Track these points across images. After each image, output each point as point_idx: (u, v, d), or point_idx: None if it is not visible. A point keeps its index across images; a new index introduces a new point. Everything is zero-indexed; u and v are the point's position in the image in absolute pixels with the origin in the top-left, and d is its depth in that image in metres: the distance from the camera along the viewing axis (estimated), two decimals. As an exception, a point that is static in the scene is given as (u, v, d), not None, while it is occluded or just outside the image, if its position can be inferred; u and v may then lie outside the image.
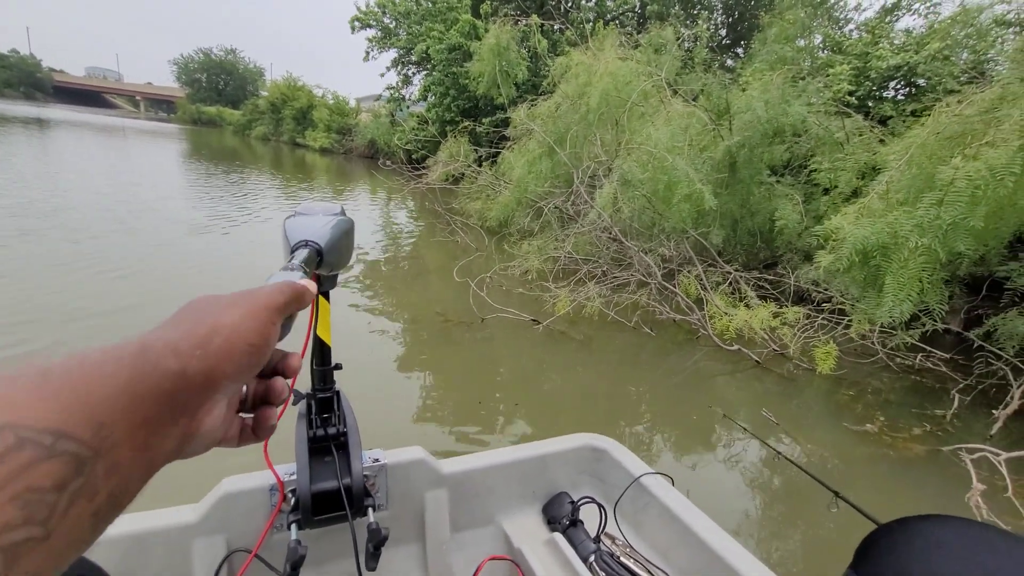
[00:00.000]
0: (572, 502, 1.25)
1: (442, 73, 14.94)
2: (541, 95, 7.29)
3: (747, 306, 4.45)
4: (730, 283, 4.94)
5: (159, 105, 79.53)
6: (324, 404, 0.98)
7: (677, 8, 15.36)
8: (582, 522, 1.21)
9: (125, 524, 0.92)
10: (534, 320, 4.44)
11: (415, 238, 8.43)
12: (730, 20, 15.81)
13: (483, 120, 13.05)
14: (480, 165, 8.87)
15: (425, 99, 16.92)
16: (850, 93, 5.76)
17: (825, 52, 6.92)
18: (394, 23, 20.41)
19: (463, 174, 8.81)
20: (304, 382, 0.93)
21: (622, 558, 1.12)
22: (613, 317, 4.57)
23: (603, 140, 6.02)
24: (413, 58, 19.22)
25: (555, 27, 13.74)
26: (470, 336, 4.22)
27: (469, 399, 3.29)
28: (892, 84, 5.78)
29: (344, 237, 0.76)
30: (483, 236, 7.29)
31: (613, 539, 1.19)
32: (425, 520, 1.16)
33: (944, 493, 2.62)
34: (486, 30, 13.28)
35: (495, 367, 3.90)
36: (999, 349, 3.69)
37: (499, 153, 8.43)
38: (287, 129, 30.48)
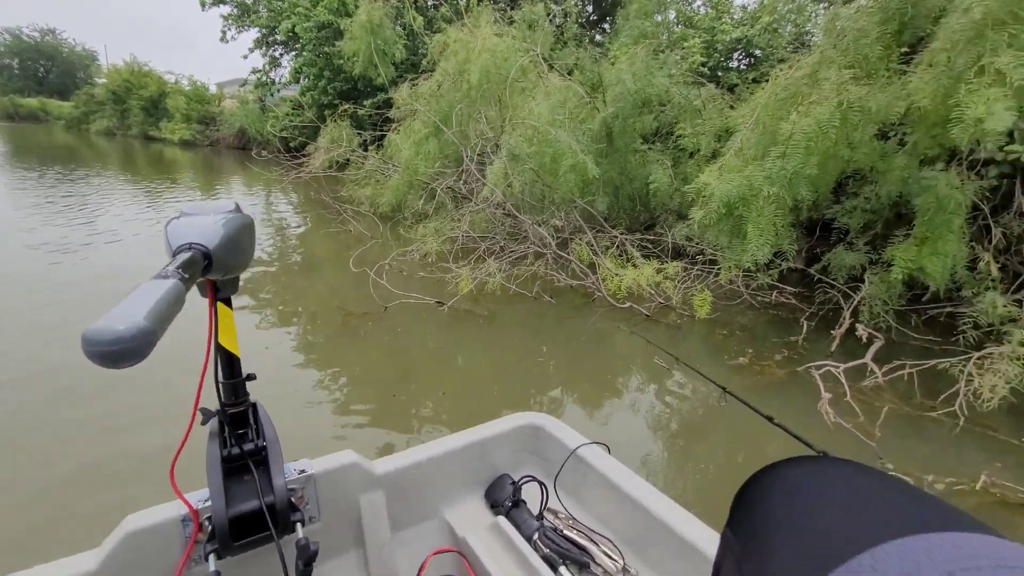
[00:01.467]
0: (513, 483, 1.24)
1: (313, 53, 13.98)
2: (421, 74, 7.14)
3: (634, 266, 4.83)
4: (617, 246, 5.30)
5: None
6: (238, 419, 0.91)
7: (547, -16, 15.65)
8: (524, 501, 1.22)
9: None
10: (438, 302, 4.45)
11: (303, 231, 7.95)
12: (596, -4, 16.44)
13: (364, 102, 12.46)
14: (366, 149, 8.52)
15: (297, 81, 15.74)
16: (703, 64, 6.36)
17: (679, 27, 7.54)
18: (251, -1, 18.57)
19: (348, 160, 8.42)
20: (211, 398, 0.87)
21: (565, 531, 1.15)
22: (515, 290, 4.72)
23: (488, 117, 6.08)
24: (278, 37, 17.67)
25: (429, 3, 13.40)
26: (374, 327, 4.14)
27: (383, 392, 3.24)
28: (736, 55, 6.47)
29: (239, 236, 0.71)
30: (376, 223, 7.08)
31: (556, 513, 1.21)
32: (362, 525, 1.12)
33: (804, 406, 3.08)
34: (356, 6, 12.61)
35: (406, 354, 3.87)
36: (833, 280, 4.37)
37: (384, 136, 8.16)
38: (136, 121, 26.79)
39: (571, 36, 7.05)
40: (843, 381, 3.12)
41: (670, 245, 5.36)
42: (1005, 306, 3.38)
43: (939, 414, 2.90)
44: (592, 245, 5.13)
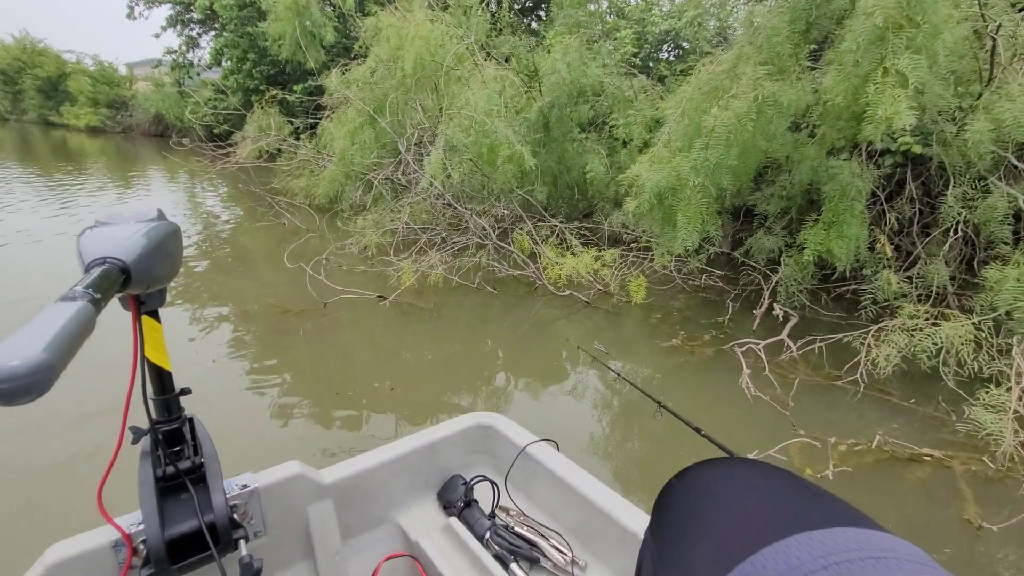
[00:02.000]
0: (465, 483, 1.26)
1: (235, 34, 13.11)
2: (354, 59, 6.90)
3: (573, 254, 4.96)
4: (557, 235, 5.42)
5: None
6: (172, 437, 0.88)
7: (482, -33, 15.43)
8: (476, 501, 1.23)
9: None
10: (380, 296, 4.39)
11: (233, 225, 7.54)
12: (532, -18, 16.39)
13: (294, 87, 11.86)
14: (298, 138, 8.16)
15: (219, 64, 14.73)
16: (634, 55, 6.55)
17: (612, 17, 7.71)
18: (161, -29, 17.08)
19: (280, 149, 8.04)
20: (139, 415, 0.82)
21: (516, 528, 1.17)
22: (458, 281, 4.73)
23: (424, 106, 5.99)
24: (195, 15, 16.43)
25: (359, -16, 12.85)
26: (314, 324, 4.03)
27: (326, 392, 3.19)
28: (665, 47, 6.71)
29: (162, 245, 0.66)
30: (313, 215, 6.84)
31: (507, 511, 1.23)
32: (311, 535, 1.10)
33: (730, 382, 3.31)
34: (280, -16, 11.91)
35: (348, 352, 3.81)
36: (755, 263, 4.69)
37: (317, 124, 7.83)
38: (32, 105, 24.24)
39: (506, 24, 7.02)
40: (763, 357, 3.39)
41: (607, 233, 5.54)
42: (898, 283, 3.78)
43: (844, 382, 3.22)
44: (532, 235, 5.22)
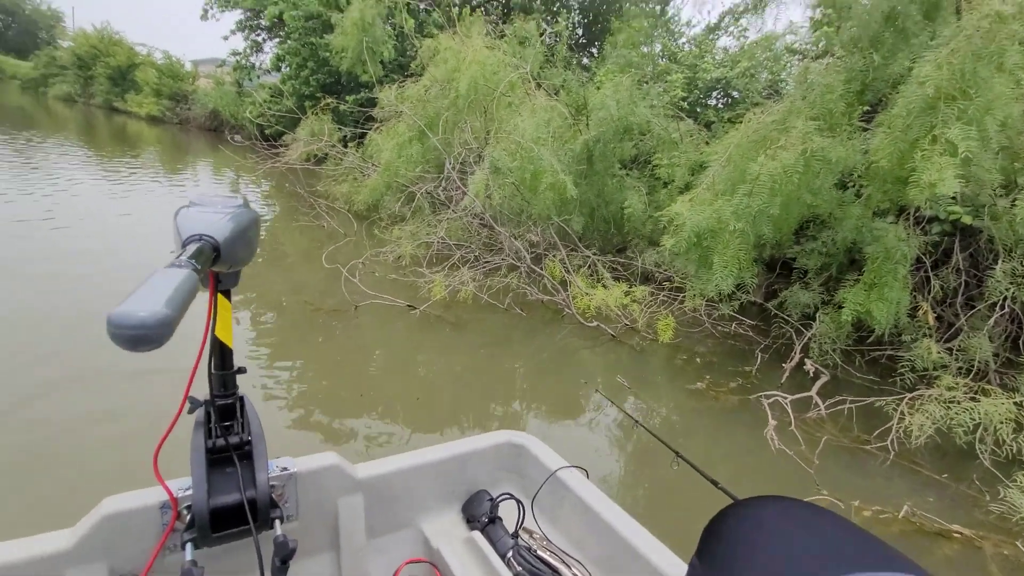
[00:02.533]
0: (491, 499, 1.25)
1: (299, 43, 13.77)
2: (409, 76, 7.16)
3: (604, 286, 4.97)
4: (589, 266, 5.45)
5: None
6: (225, 411, 0.91)
7: (539, 2, 15.98)
8: (501, 519, 1.22)
9: None
10: (410, 306, 4.46)
11: (274, 223, 7.79)
12: (586, 20, 16.90)
13: (347, 97, 12.34)
14: (345, 145, 8.45)
15: (279, 69, 15.43)
16: (683, 99, 6.64)
17: (663, 60, 7.86)
18: (237, -21, 18.13)
19: (327, 154, 8.33)
20: (201, 387, 0.87)
21: (539, 551, 1.15)
22: (487, 300, 4.78)
23: (472, 127, 6.15)
24: (263, 22, 17.32)
25: (421, 6, 13.44)
26: (343, 324, 4.11)
27: (350, 392, 3.23)
28: (715, 94, 6.80)
29: (246, 231, 0.72)
30: (351, 221, 7.02)
31: (531, 533, 1.21)
32: (339, 528, 1.12)
33: (753, 432, 3.25)
34: (348, 1, 12.53)
35: (375, 354, 3.87)
36: (788, 316, 4.62)
37: (365, 134, 8.10)
38: (100, 90, 25.59)
39: (561, 57, 7.22)
40: (789, 411, 3.31)
41: (639, 269, 5.54)
42: (938, 353, 3.67)
43: (873, 447, 3.12)
44: (565, 263, 5.25)
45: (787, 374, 3.95)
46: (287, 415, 2.87)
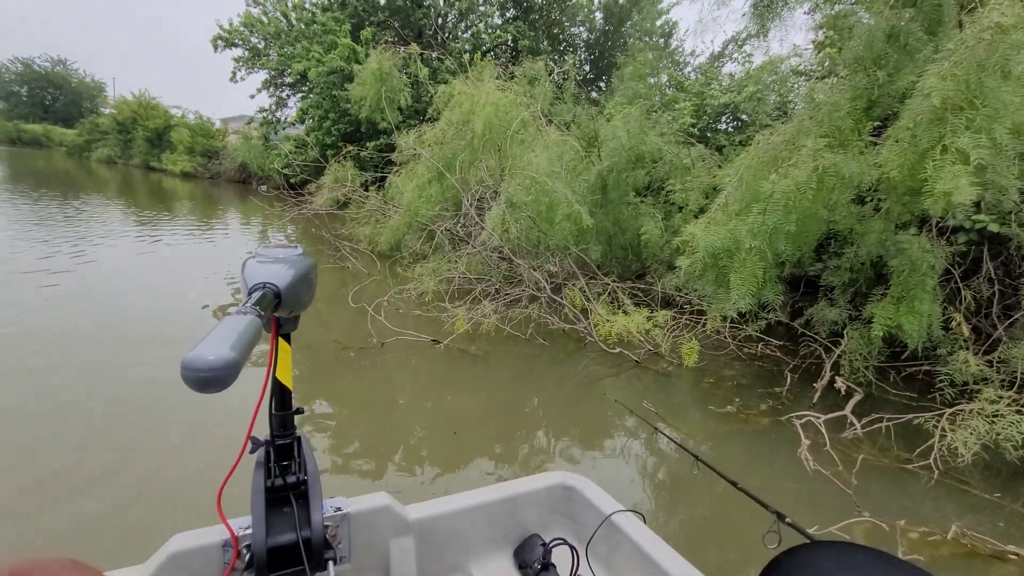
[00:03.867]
0: (544, 544, 1.20)
1: (321, 96, 14.54)
2: (425, 121, 7.49)
3: (625, 313, 4.97)
4: (609, 293, 5.47)
5: (-40, 122, 66.28)
6: (283, 451, 0.93)
7: (546, 44, 16.60)
8: (554, 566, 1.17)
9: None
10: (434, 340, 4.54)
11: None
12: (592, 57, 17.46)
13: (366, 144, 12.91)
14: (367, 189, 8.78)
15: (303, 122, 16.26)
16: (693, 125, 6.76)
17: (671, 90, 8.05)
18: (263, 43, 19.39)
19: (349, 199, 8.66)
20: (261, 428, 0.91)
21: None
22: (509, 332, 4.83)
23: (488, 165, 6.36)
24: (287, 79, 18.39)
25: (434, 55, 14.12)
26: (370, 361, 4.20)
27: (381, 427, 3.28)
28: (723, 118, 6.90)
29: (304, 277, 0.77)
30: (375, 261, 7.22)
31: None
32: (390, 570, 1.10)
33: (786, 454, 3.17)
34: (366, 55, 13.25)
35: (402, 390, 3.92)
36: (815, 334, 4.54)
37: (385, 178, 8.43)
38: (139, 151, 27.26)
39: (570, 94, 7.47)
40: (823, 432, 3.22)
41: (660, 294, 5.54)
42: (978, 365, 3.55)
43: (915, 467, 2.99)
44: (585, 291, 5.29)
45: (819, 394, 3.85)
46: (322, 453, 2.93)
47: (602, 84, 16.61)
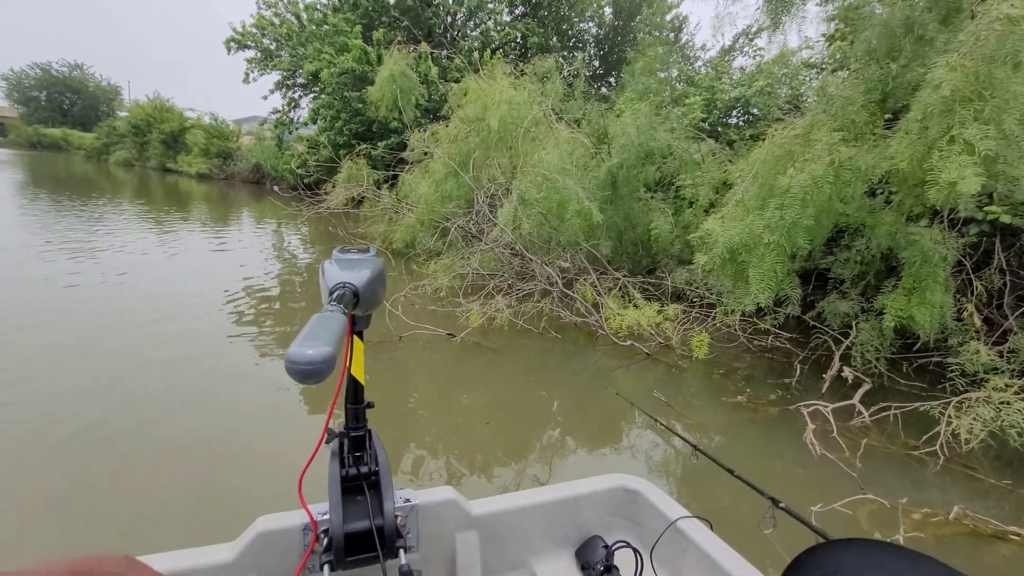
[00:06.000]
0: (606, 546, 1.20)
1: (333, 96, 14.72)
2: (435, 119, 7.60)
3: (636, 306, 5.05)
4: (620, 288, 5.54)
5: (-18, 127, 67.93)
6: (356, 442, 0.98)
7: (555, 40, 16.61)
8: (617, 568, 1.16)
9: (167, 562, 0.93)
10: (449, 334, 4.65)
11: (314, 264, 8.23)
12: (602, 52, 17.44)
13: (378, 143, 13.06)
14: (379, 188, 8.92)
15: (315, 122, 16.47)
16: (703, 120, 6.78)
17: (681, 84, 8.06)
18: (275, 45, 19.64)
19: (363, 198, 8.81)
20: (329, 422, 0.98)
21: None
22: (522, 326, 4.92)
23: (499, 163, 6.45)
24: (299, 80, 18.62)
25: (443, 54, 14.22)
26: (389, 356, 4.32)
27: (408, 420, 3.40)
28: (734, 113, 6.92)
29: (378, 278, 0.84)
30: (390, 258, 7.35)
31: None
32: (456, 563, 1.12)
33: (794, 442, 3.23)
34: (378, 56, 13.40)
35: (418, 383, 4.04)
36: (826, 326, 4.58)
37: (396, 176, 8.56)
38: (155, 154, 27.74)
39: (581, 92, 7.52)
40: (831, 420, 3.28)
41: (670, 289, 5.59)
42: (988, 356, 3.57)
43: (922, 453, 3.04)
44: (596, 286, 5.37)
45: (828, 384, 3.90)
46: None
47: (612, 80, 16.60)
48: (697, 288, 5.44)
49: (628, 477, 1.32)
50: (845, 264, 4.78)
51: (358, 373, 0.94)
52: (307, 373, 0.54)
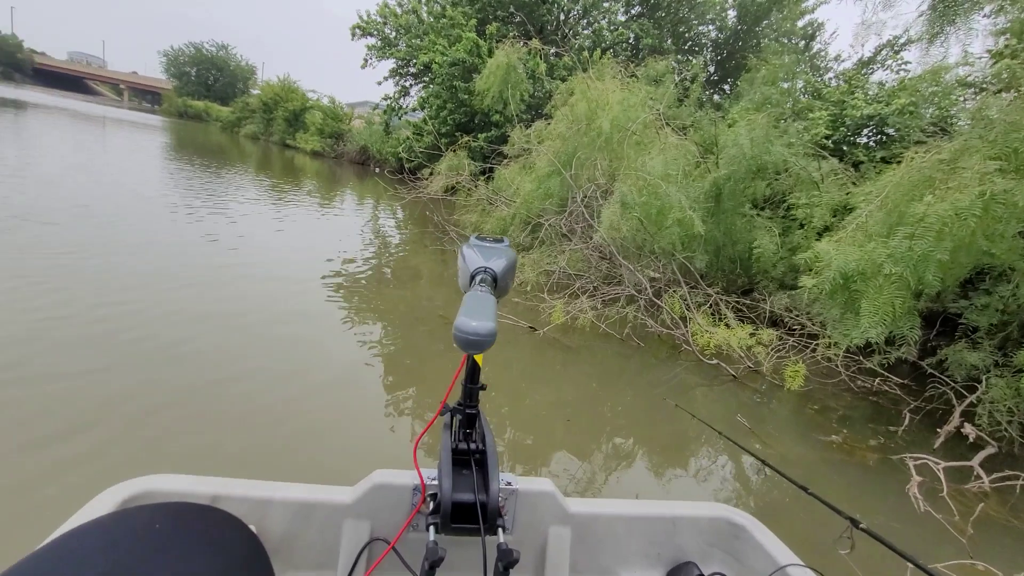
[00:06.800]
0: (701, 575, 1.17)
1: (441, 86, 15.32)
2: (538, 116, 7.67)
3: (727, 326, 4.81)
4: (711, 304, 5.30)
5: (144, 95, 78.24)
6: (467, 420, 1.01)
7: (669, 43, 16.11)
8: None
9: (296, 492, 1.03)
10: (531, 327, 4.71)
11: (408, 245, 8.65)
12: (719, 58, 16.64)
13: (478, 135, 13.44)
14: (476, 179, 9.18)
15: (422, 110, 17.25)
16: (826, 137, 6.27)
17: (806, 97, 7.49)
18: (394, 34, 20.78)
19: (458, 186, 9.12)
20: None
21: None
22: (604, 329, 4.88)
23: (601, 165, 6.40)
24: (412, 69, 19.57)
25: (552, 52, 14.29)
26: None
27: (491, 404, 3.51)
28: (865, 131, 6.32)
29: (512, 267, 0.90)
30: (479, 247, 7.56)
31: None
32: (546, 555, 1.13)
33: (892, 492, 2.94)
34: (488, 49, 13.76)
35: (496, 370, 4.15)
36: (948, 376, 4.10)
37: (492, 169, 8.77)
38: (278, 130, 30.37)
39: (695, 99, 7.25)
40: (941, 478, 2.94)
41: (767, 313, 5.27)
42: None
43: (1060, 538, 2.65)
44: (686, 299, 5.18)
45: (942, 439, 3.49)
46: (423, 418, 3.21)
47: (726, 87, 15.79)
48: (797, 315, 5.08)
49: (734, 510, 1.27)
50: (983, 311, 4.25)
51: (478, 356, 0.98)
52: (474, 343, 0.61)
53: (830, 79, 8.09)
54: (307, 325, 4.33)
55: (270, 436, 2.71)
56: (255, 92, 39.45)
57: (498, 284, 0.82)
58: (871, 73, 7.44)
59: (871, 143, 6.25)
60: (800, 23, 14.23)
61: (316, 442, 2.71)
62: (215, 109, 46.43)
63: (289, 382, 3.31)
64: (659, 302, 5.28)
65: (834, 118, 6.42)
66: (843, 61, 11.65)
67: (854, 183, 5.05)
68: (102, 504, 0.88)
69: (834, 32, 24.57)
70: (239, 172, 14.16)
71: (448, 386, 0.98)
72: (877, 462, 3.30)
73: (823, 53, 12.17)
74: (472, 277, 0.80)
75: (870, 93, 6.52)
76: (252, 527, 0.96)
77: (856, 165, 5.86)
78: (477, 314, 0.64)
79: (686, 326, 4.92)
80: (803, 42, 13.96)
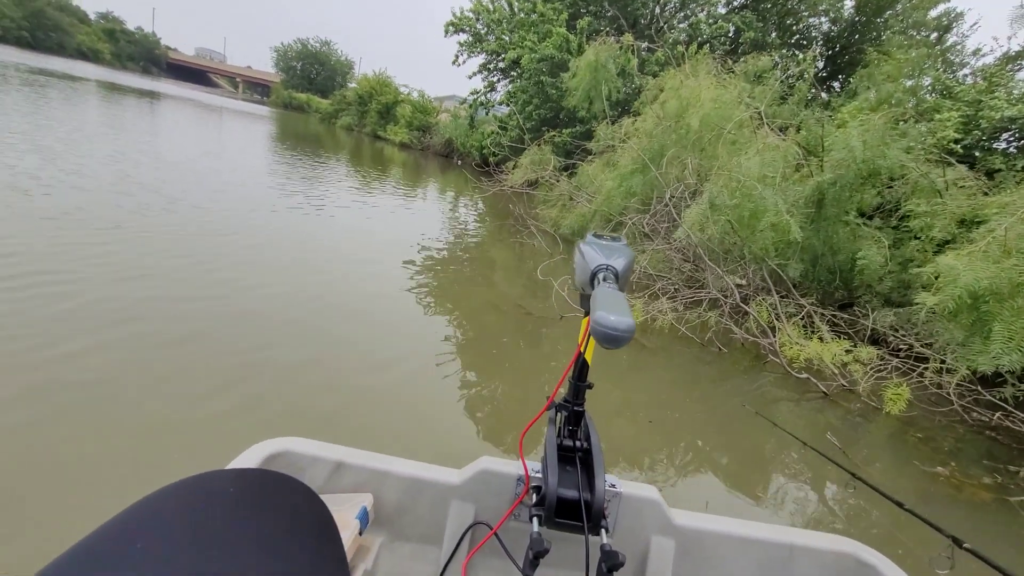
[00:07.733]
0: None
1: (528, 82, 15.42)
2: (625, 112, 7.53)
3: (820, 339, 4.51)
4: (804, 315, 4.98)
5: (255, 88, 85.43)
6: (573, 417, 1.00)
7: (774, 36, 15.13)
8: None
9: (409, 468, 1.09)
10: (608, 324, 4.68)
11: (486, 237, 8.85)
12: (830, 52, 15.36)
13: (563, 131, 13.40)
14: (559, 174, 9.20)
15: (508, 104, 17.46)
16: (955, 141, 5.63)
17: (933, 96, 6.75)
18: (485, 29, 21.15)
19: (540, 181, 9.18)
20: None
21: None
22: (684, 332, 4.75)
23: (691, 163, 6.19)
24: (501, 65, 19.86)
25: (644, 47, 13.91)
26: (549, 331, 4.53)
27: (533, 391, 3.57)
28: (1005, 136, 5.58)
29: (631, 265, 0.90)
30: (557, 242, 7.60)
31: None
32: (647, 565, 1.10)
33: (1005, 535, 2.65)
34: (579, 45, 13.67)
35: (566, 362, 4.18)
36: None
37: (574, 164, 8.73)
38: (370, 122, 32.02)
39: (802, 96, 6.79)
40: (1080, 533, 2.60)
41: (868, 329, 4.87)
42: None
43: None
44: (775, 308, 4.91)
45: (1078, 489, 3.08)
46: (495, 409, 3.32)
47: (836, 84, 14.56)
48: (904, 335, 4.66)
49: (861, 546, 1.17)
50: None
51: (588, 354, 0.98)
52: (614, 338, 0.63)
53: (964, 76, 7.20)
54: (401, 314, 4.53)
55: (374, 415, 2.91)
56: (352, 85, 41.84)
57: (619, 282, 0.82)
58: (1018, 69, 6.52)
59: (1012, 149, 5.53)
60: (933, 12, 12.46)
61: (419, 424, 2.86)
62: (315, 101, 49.78)
63: (386, 370, 3.50)
64: (746, 308, 5.04)
65: (967, 120, 5.74)
66: (983, 56, 10.23)
67: (985, 192, 4.52)
68: (250, 457, 0.99)
69: (975, 24, 21.50)
70: (335, 162, 15.11)
71: (558, 381, 1.00)
72: (991, 502, 2.97)
73: (959, 47, 10.72)
74: (594, 275, 0.82)
75: (1015, 92, 5.75)
76: (369, 494, 1.05)
77: (990, 174, 5.22)
78: (615, 309, 0.64)
79: (774, 335, 4.67)
80: (935, 34, 12.31)
